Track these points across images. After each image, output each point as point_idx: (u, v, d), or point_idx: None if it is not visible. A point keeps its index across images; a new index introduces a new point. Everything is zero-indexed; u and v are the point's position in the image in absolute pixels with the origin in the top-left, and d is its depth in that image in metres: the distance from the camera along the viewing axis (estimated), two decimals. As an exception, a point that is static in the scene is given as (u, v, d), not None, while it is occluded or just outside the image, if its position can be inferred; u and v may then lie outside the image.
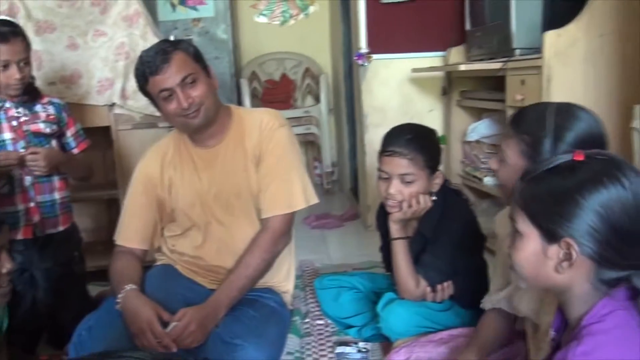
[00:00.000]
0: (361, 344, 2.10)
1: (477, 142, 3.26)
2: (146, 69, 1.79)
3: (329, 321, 2.28)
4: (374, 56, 3.54)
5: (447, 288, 1.94)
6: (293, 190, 1.93)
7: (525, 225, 1.09)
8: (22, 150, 2.10)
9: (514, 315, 1.60)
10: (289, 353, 2.00)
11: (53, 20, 2.76)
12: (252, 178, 1.94)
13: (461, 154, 3.55)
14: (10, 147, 2.12)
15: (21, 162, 2.06)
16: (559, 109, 1.43)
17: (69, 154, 2.30)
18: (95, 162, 2.76)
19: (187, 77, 1.80)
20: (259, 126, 1.95)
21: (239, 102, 4.67)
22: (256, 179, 1.93)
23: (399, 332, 1.89)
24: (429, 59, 3.56)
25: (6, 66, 2.06)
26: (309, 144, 5.18)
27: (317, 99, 5.05)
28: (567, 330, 1.14)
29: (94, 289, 2.53)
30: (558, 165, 1.08)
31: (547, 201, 1.06)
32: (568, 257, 1.04)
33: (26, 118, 2.17)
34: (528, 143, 1.41)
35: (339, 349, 2.07)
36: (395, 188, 1.91)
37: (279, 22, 5.19)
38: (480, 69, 2.90)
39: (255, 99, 4.98)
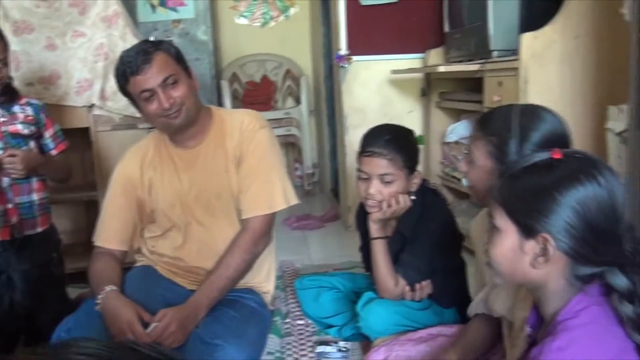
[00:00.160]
0: (341, 344, 2.11)
1: (456, 143, 3.29)
2: (127, 69, 1.78)
3: (310, 321, 2.29)
4: (354, 58, 3.57)
5: (425, 287, 1.96)
6: (273, 191, 1.94)
7: (503, 221, 1.11)
8: (-1, 152, 2.08)
9: (498, 321, 1.61)
10: (269, 353, 2.00)
11: (31, 20, 2.74)
12: (233, 179, 1.94)
13: (440, 155, 3.57)
14: (-13, 149, 2.10)
15: (-2, 165, 2.04)
16: (524, 111, 1.46)
17: (47, 156, 2.29)
18: (74, 164, 2.74)
19: (169, 77, 1.80)
20: (240, 127, 1.95)
21: (220, 104, 4.66)
22: (237, 179, 1.94)
23: (378, 331, 1.90)
24: (409, 61, 3.59)
25: (-17, 67, 2.04)
26: (290, 146, 5.19)
27: (297, 101, 5.06)
28: (543, 326, 1.15)
29: (73, 292, 2.51)
30: (536, 163, 1.10)
31: (525, 197, 1.08)
32: (544, 252, 1.06)
33: (4, 119, 2.15)
34: (495, 144, 1.44)
35: (319, 349, 2.08)
36: (375, 188, 1.93)
37: (259, 23, 5.19)
38: (459, 70, 2.93)
39: (235, 101, 4.97)
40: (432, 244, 1.92)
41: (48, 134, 2.30)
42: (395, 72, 3.54)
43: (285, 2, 5.16)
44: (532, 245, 1.07)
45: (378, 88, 3.66)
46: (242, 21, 5.17)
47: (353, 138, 3.44)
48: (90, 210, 3.05)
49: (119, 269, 1.92)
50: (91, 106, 2.82)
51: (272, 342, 2.06)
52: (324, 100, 4.61)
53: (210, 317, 1.78)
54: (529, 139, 1.39)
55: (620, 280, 1.04)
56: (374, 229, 1.96)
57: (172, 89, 1.81)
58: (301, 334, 2.22)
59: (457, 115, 3.46)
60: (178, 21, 4.74)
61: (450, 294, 1.99)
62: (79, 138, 2.81)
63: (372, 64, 3.62)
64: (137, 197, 1.98)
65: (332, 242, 3.60)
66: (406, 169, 1.93)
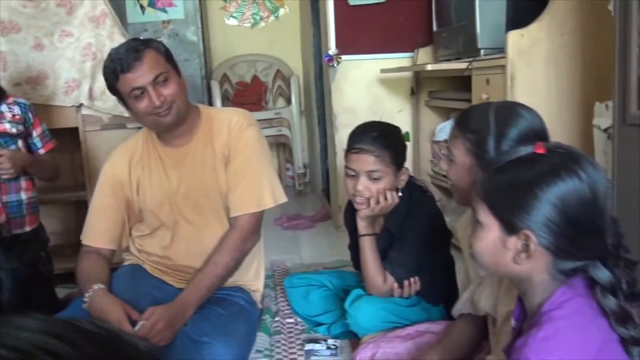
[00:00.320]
0: (330, 341, 2.11)
1: (446, 141, 3.29)
2: (117, 67, 1.77)
3: (299, 319, 2.29)
4: (343, 57, 3.57)
5: (413, 284, 1.97)
6: (262, 190, 1.94)
7: (485, 216, 1.11)
8: (-13, 152, 2.08)
9: (483, 321, 1.62)
10: (258, 351, 2.00)
11: (18, 20, 2.73)
12: (221, 177, 1.94)
13: (430, 154, 3.58)
14: (-25, 148, 2.10)
15: (-14, 164, 2.03)
16: (501, 108, 1.47)
17: (35, 155, 2.28)
18: (63, 164, 2.73)
19: (160, 75, 1.79)
20: (228, 126, 1.95)
21: (210, 104, 4.65)
22: (225, 178, 1.94)
23: (367, 327, 1.90)
24: (398, 60, 3.59)
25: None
26: (281, 146, 5.19)
27: (288, 101, 5.06)
28: (527, 318, 1.16)
29: (61, 292, 2.51)
30: (519, 158, 1.10)
31: (507, 193, 1.08)
32: (526, 248, 1.06)
33: (-9, 118, 2.15)
34: (473, 141, 1.45)
35: (308, 346, 2.08)
36: (363, 185, 1.93)
37: (249, 24, 5.19)
38: (447, 68, 2.95)
39: (226, 101, 4.98)
40: (419, 240, 1.92)
41: (36, 133, 2.30)
42: (384, 71, 3.55)
43: (275, 2, 5.17)
44: (514, 242, 1.07)
45: (367, 87, 3.67)
46: (232, 22, 5.17)
47: (343, 137, 3.41)
48: (80, 211, 3.03)
49: (107, 268, 1.92)
50: (79, 106, 2.81)
51: (262, 340, 2.06)
52: (315, 100, 4.61)
53: (198, 315, 1.78)
54: (506, 135, 1.40)
55: (602, 274, 1.05)
56: (362, 226, 1.97)
57: (163, 86, 1.81)
58: (290, 332, 2.22)
59: (446, 113, 3.46)
60: (167, 22, 4.74)
61: (439, 290, 2.00)
62: (68, 138, 2.80)
63: (361, 63, 3.62)
64: (125, 196, 1.98)
65: (323, 242, 3.60)
66: (394, 166, 1.94)
